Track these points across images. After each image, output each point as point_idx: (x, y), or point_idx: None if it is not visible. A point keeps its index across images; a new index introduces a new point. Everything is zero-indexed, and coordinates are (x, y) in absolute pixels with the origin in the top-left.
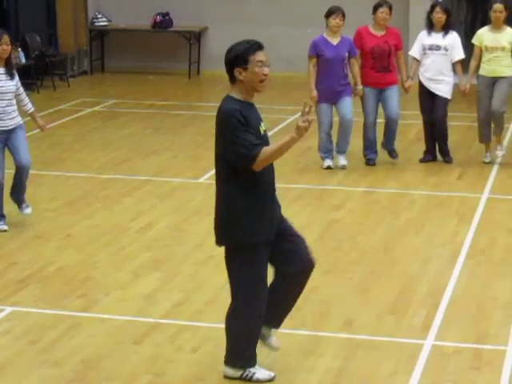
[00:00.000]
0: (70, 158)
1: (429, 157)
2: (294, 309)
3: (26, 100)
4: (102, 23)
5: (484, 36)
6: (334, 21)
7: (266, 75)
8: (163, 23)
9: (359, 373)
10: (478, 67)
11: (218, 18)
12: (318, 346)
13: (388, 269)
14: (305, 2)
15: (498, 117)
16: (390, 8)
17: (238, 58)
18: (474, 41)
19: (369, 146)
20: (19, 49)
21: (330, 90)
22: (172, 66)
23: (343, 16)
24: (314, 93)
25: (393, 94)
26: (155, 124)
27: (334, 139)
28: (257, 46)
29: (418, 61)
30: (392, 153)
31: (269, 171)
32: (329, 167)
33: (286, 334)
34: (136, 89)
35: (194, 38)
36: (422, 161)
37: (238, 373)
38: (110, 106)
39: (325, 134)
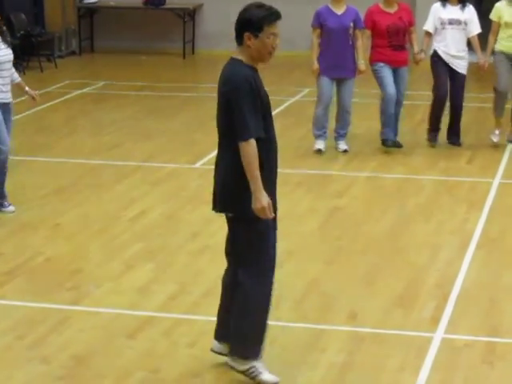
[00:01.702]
0: (59, 143)
1: (437, 134)
2: (295, 301)
3: (13, 69)
4: (91, 0)
5: (503, 11)
6: None
7: (275, 48)
8: (155, 0)
9: (365, 368)
10: (495, 43)
11: None
12: (320, 340)
13: (394, 259)
14: None
15: None
16: None
17: (252, 23)
18: (492, 16)
19: (389, 124)
20: (4, 28)
21: (332, 62)
22: (165, 45)
23: None
24: (316, 66)
25: (404, 76)
26: (148, 107)
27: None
28: (275, 16)
29: (430, 35)
30: (398, 143)
31: (275, 149)
32: (319, 151)
33: (287, 328)
34: (127, 70)
35: (189, 16)
36: (433, 140)
37: (243, 366)
38: (100, 88)
39: (322, 108)
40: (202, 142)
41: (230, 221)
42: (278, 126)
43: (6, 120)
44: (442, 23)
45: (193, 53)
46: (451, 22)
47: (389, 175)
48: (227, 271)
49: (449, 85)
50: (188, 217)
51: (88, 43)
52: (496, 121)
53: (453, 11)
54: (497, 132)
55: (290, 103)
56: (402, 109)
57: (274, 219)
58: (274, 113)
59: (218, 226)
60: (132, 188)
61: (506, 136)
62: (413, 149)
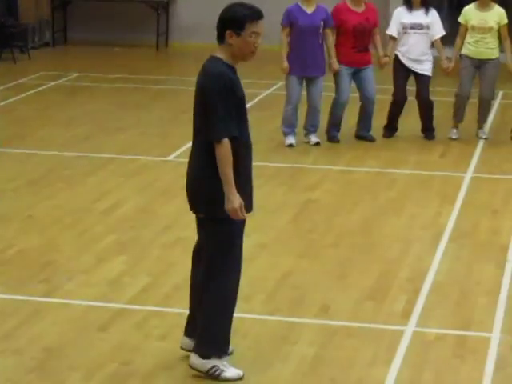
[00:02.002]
0: (31, 135)
1: (393, 131)
2: (267, 294)
3: None
4: None
5: (471, 15)
6: None
7: (256, 47)
8: None
9: (336, 361)
10: (461, 45)
11: None
12: (292, 333)
13: (366, 252)
14: None
15: (487, 104)
16: None
17: (235, 21)
18: (461, 19)
19: (336, 124)
20: None
21: (302, 61)
22: (139, 37)
23: None
24: (285, 64)
25: (370, 74)
26: (121, 99)
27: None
28: (258, 15)
29: (394, 40)
30: (369, 137)
31: (250, 150)
32: (291, 145)
33: (259, 320)
34: (100, 62)
35: (162, 8)
36: (388, 136)
37: (206, 366)
38: (73, 80)
39: (291, 107)
40: (175, 135)
41: (200, 221)
42: (252, 119)
43: None
44: (405, 27)
45: (166, 45)
46: (413, 27)
47: (361, 169)
48: (195, 270)
49: (415, 86)
50: (161, 209)
51: (61, 35)
52: (454, 123)
53: (416, 15)
54: (455, 131)
55: (264, 96)
56: (374, 107)
57: (244, 220)
58: (248, 105)
59: (191, 219)
60: (104, 180)
61: (476, 133)
62: (386, 143)
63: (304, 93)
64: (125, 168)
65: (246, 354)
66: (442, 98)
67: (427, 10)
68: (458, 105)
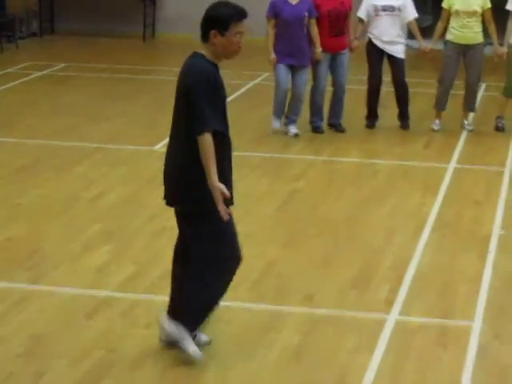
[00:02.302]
0: (19, 124)
1: (374, 120)
2: (252, 283)
3: None
4: None
5: (455, 0)
6: None
7: (240, 46)
8: None
9: (320, 349)
10: (443, 30)
11: None
12: (277, 321)
13: (350, 241)
14: None
15: (474, 90)
16: None
17: (219, 20)
18: (444, 4)
19: (317, 113)
20: None
21: (288, 51)
22: (125, 28)
23: None
24: (273, 55)
25: (345, 60)
26: (107, 89)
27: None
28: (242, 15)
29: (363, 22)
30: (339, 126)
31: (230, 145)
32: (276, 130)
33: (245, 309)
34: (87, 52)
35: (149, 0)
36: (371, 126)
37: (174, 330)
38: (61, 70)
39: (281, 93)
40: (162, 125)
41: (180, 214)
42: (237, 109)
43: None
44: (376, 10)
45: (153, 36)
46: (385, 9)
47: (345, 159)
48: (177, 263)
49: (390, 70)
50: (147, 199)
51: (49, 25)
52: (436, 113)
53: None
54: (437, 122)
55: (249, 87)
56: (345, 92)
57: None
58: (233, 96)
59: None
60: (91, 169)
61: (461, 123)
62: (369, 134)
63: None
64: (111, 157)
65: (230, 341)
66: (426, 90)
67: None
68: (441, 92)
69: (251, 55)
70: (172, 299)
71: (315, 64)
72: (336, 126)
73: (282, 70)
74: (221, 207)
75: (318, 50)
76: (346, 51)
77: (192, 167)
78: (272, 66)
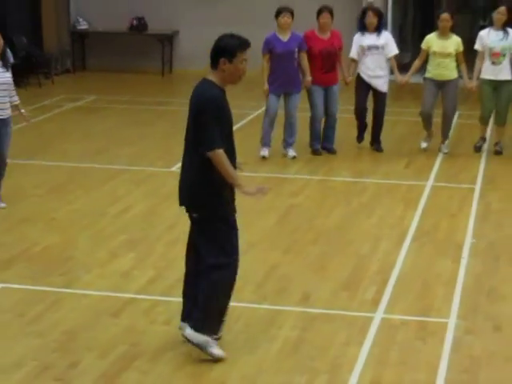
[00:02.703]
0: (54, 149)
1: (361, 138)
2: (256, 285)
3: (14, 92)
4: (82, 27)
5: (432, 42)
6: (283, 19)
7: (244, 72)
8: (139, 27)
9: (315, 343)
10: (420, 67)
11: (188, 22)
12: (278, 319)
13: (342, 249)
14: (263, 6)
15: (450, 119)
16: (331, 12)
17: (227, 50)
18: (423, 45)
19: (316, 137)
20: (7, 49)
21: (280, 81)
22: (147, 65)
23: (291, 14)
24: (266, 86)
25: (335, 92)
26: (131, 118)
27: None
28: (246, 45)
29: (355, 61)
30: (331, 149)
31: (235, 160)
32: (264, 157)
33: (249, 308)
34: (114, 86)
35: (167, 40)
36: (360, 141)
37: (198, 338)
38: (91, 102)
39: (268, 120)
40: (177, 149)
41: (193, 219)
42: (242, 136)
43: (4, 133)
44: (363, 49)
45: (170, 72)
46: (370, 48)
47: (337, 178)
48: (190, 258)
49: (373, 101)
50: (165, 212)
51: (80, 63)
52: (426, 132)
53: (371, 38)
54: (424, 144)
55: (253, 116)
56: (336, 120)
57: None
58: (239, 124)
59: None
60: (117, 187)
61: (439, 147)
62: (358, 155)
63: (282, 111)
64: (134, 177)
65: (238, 336)
66: (407, 118)
67: (379, 33)
68: (424, 121)
69: (253, 87)
70: (187, 307)
71: (311, 95)
72: (328, 149)
73: (273, 98)
74: (256, 191)
75: (308, 78)
76: (337, 85)
77: (202, 179)
78: (265, 95)
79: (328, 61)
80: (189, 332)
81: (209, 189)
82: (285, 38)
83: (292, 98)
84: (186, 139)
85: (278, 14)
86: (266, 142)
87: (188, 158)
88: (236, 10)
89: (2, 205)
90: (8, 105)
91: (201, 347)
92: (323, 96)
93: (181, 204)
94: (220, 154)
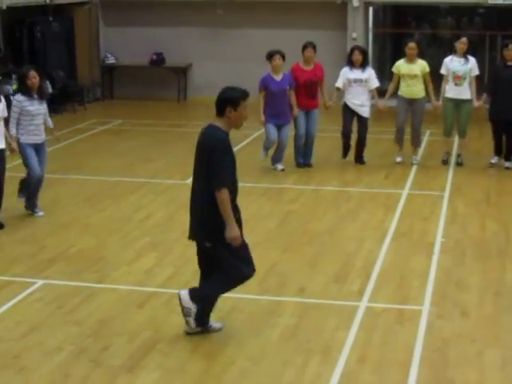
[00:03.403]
0: (87, 165)
1: (346, 155)
2: (259, 280)
3: (49, 119)
4: (110, 61)
5: (401, 66)
6: (275, 61)
7: (246, 117)
8: (158, 61)
9: (310, 328)
10: (394, 89)
11: (200, 56)
12: (278, 308)
13: (332, 248)
14: (261, 44)
15: (418, 131)
16: (314, 47)
17: (233, 100)
18: (394, 69)
19: (300, 152)
20: (47, 81)
21: (274, 113)
22: (165, 93)
23: (282, 56)
24: (262, 117)
25: (315, 116)
26: (152, 138)
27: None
28: (247, 95)
29: (339, 90)
30: (309, 164)
31: (237, 190)
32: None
33: (253, 300)
34: (137, 111)
35: (182, 72)
36: (345, 157)
37: (189, 304)
38: (118, 125)
39: (269, 143)
40: (191, 164)
41: (204, 248)
42: (247, 152)
43: (41, 155)
44: (349, 81)
45: (185, 99)
46: (355, 81)
47: (328, 187)
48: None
49: (357, 125)
50: (182, 218)
51: (109, 92)
52: (398, 149)
53: (357, 73)
54: (399, 159)
55: (255, 136)
56: (314, 140)
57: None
58: (243, 143)
59: None
60: (141, 198)
61: (411, 160)
62: (344, 169)
63: None
64: (155, 188)
65: (243, 324)
66: (386, 136)
67: (364, 68)
68: (398, 134)
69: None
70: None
71: (296, 118)
72: (306, 164)
73: (271, 128)
74: (237, 242)
75: (296, 111)
76: (317, 110)
77: (216, 211)
78: (262, 125)
79: (310, 89)
80: (184, 293)
81: (219, 220)
82: (278, 77)
83: (284, 129)
84: (196, 178)
85: (271, 56)
86: (266, 149)
87: (199, 194)
88: (239, 47)
89: (41, 213)
90: (43, 131)
91: (185, 312)
92: (305, 118)
93: (192, 238)
94: (224, 194)
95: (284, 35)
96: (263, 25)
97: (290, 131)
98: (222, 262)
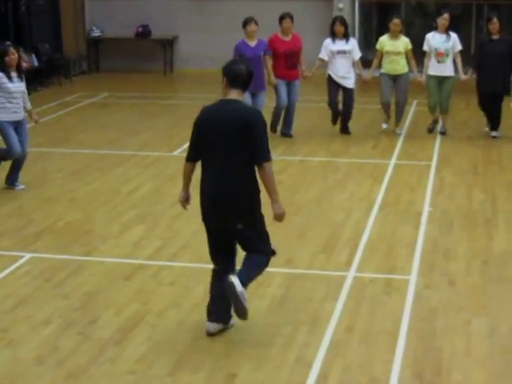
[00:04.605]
0: (74, 138)
1: (336, 121)
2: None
3: (27, 99)
4: (96, 34)
5: (385, 43)
6: (250, 27)
7: None
8: (144, 33)
9: (298, 298)
10: (378, 65)
11: (186, 28)
12: (266, 279)
13: (319, 218)
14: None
15: (402, 107)
16: (292, 18)
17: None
18: (377, 46)
19: (277, 121)
20: (33, 54)
21: None
22: (151, 66)
23: (256, 23)
24: None
25: (297, 87)
26: (138, 111)
27: None
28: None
29: (322, 60)
30: (289, 135)
31: None
32: None
33: None
34: (123, 84)
35: (168, 44)
36: (334, 124)
37: (241, 289)
38: (104, 98)
39: None
40: (178, 136)
41: (232, 231)
42: None
43: (22, 132)
44: (332, 53)
45: (171, 71)
46: (339, 52)
47: (315, 158)
48: (220, 274)
49: (342, 96)
50: (169, 191)
51: (95, 65)
52: (384, 119)
53: (340, 44)
54: (384, 126)
55: None
56: (295, 109)
57: None
58: None
59: (191, 197)
60: (128, 170)
61: (394, 130)
62: (332, 139)
63: None
64: (142, 161)
65: None
66: (372, 106)
67: (347, 40)
68: (383, 108)
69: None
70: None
71: (277, 89)
72: (286, 134)
73: (246, 97)
74: (282, 219)
75: (272, 78)
76: (298, 80)
77: (255, 191)
78: None
79: (290, 60)
80: (236, 280)
81: (258, 198)
82: (252, 43)
83: (258, 96)
84: (232, 157)
85: (246, 23)
86: None
87: (236, 172)
88: (225, 19)
89: (22, 187)
90: (22, 109)
91: (241, 298)
92: (286, 89)
93: (223, 224)
94: (271, 168)
95: (271, 6)
96: None
97: (265, 99)
98: (255, 240)
